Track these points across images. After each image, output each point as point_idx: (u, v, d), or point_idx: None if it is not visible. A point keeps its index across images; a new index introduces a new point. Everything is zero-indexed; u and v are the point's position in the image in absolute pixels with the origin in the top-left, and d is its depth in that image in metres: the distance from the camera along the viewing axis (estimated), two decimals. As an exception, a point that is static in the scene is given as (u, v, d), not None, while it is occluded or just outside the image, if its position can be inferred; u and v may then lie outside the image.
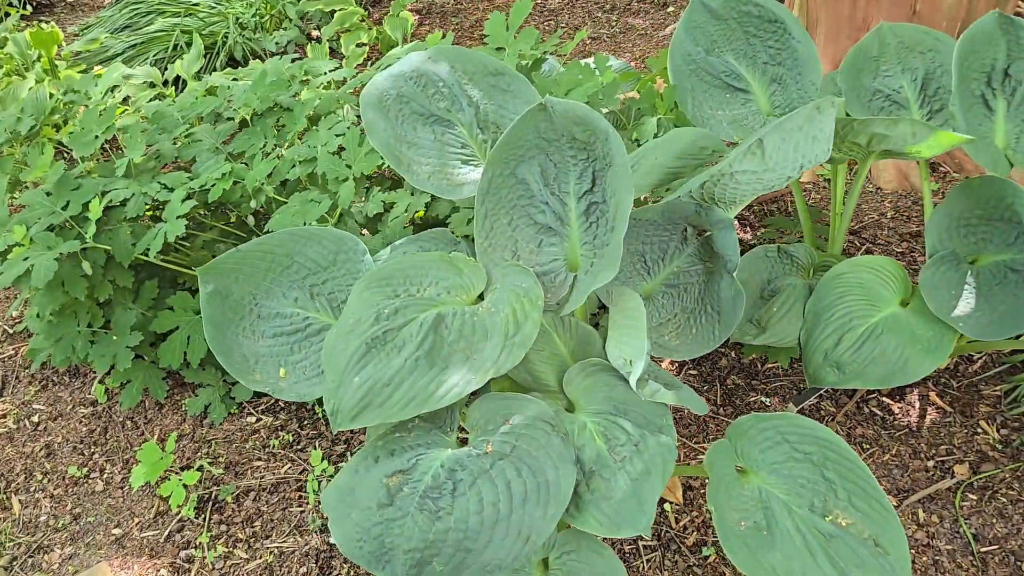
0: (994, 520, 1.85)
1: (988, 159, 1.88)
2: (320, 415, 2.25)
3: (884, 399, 2.14)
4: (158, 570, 1.92)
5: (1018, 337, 1.93)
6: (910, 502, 1.91)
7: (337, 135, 2.25)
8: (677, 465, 1.61)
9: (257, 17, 4.22)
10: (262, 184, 2.21)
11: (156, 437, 2.25)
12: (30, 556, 1.99)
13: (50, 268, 1.97)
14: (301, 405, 2.27)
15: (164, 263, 2.28)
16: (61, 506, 2.10)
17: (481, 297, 1.63)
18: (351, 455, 2.14)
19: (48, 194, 2.17)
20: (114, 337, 2.23)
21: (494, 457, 1.37)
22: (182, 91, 3.68)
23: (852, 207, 2.10)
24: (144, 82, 3.25)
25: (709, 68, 2.19)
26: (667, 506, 1.96)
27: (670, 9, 4.28)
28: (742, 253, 1.82)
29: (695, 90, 2.18)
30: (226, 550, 1.95)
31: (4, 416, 2.37)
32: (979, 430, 2.04)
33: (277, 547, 1.95)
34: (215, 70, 3.95)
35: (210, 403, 2.28)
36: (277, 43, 4.10)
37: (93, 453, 2.23)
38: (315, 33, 4.39)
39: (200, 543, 1.97)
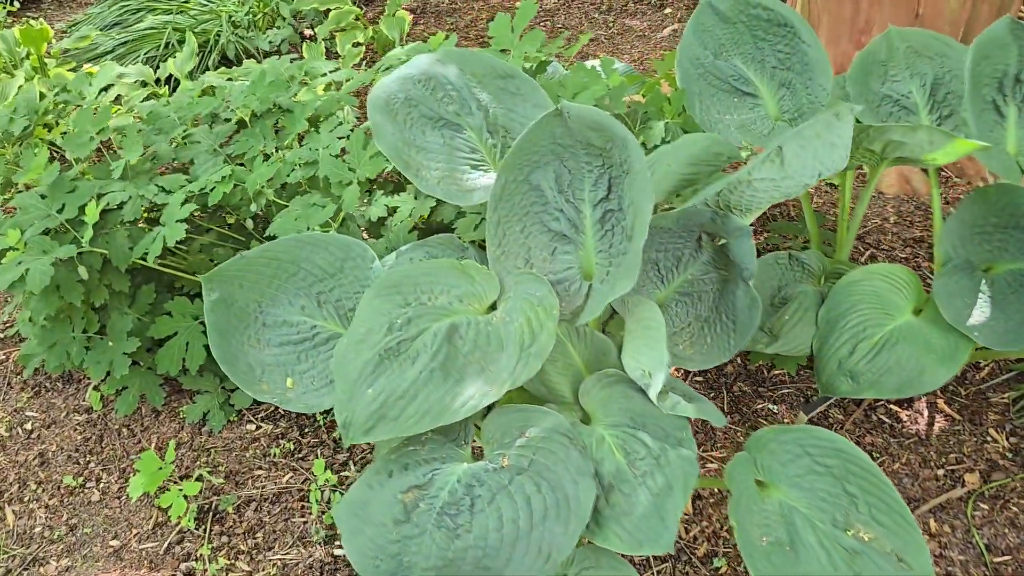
0: (1006, 530, 1.84)
1: (1000, 166, 1.87)
2: (322, 423, 2.21)
3: (892, 407, 2.12)
4: (158, 583, 1.88)
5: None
6: (921, 512, 1.89)
7: (339, 137, 2.20)
8: (692, 477, 1.59)
9: (250, 15, 4.16)
10: (263, 187, 2.17)
11: (153, 445, 2.20)
12: (25, 568, 1.94)
13: (46, 273, 1.92)
14: (302, 413, 2.23)
15: (161, 267, 2.23)
16: (56, 517, 2.05)
17: (493, 306, 1.60)
18: (353, 464, 2.10)
19: (43, 197, 2.12)
20: (110, 343, 2.18)
21: (512, 472, 1.34)
22: (174, 90, 3.62)
23: (861, 213, 2.09)
24: (136, 81, 3.19)
25: (717, 72, 2.16)
26: (677, 516, 1.93)
27: (667, 11, 4.26)
28: (751, 259, 1.79)
29: (703, 94, 2.15)
30: (228, 562, 1.90)
31: (-4, 423, 2.31)
32: (988, 438, 2.03)
33: (280, 559, 1.90)
34: (208, 69, 3.90)
35: (209, 410, 2.23)
36: (271, 42, 4.04)
37: (89, 462, 2.18)
38: (308, 32, 4.34)
39: (201, 555, 1.92)
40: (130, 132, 2.26)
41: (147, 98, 3.06)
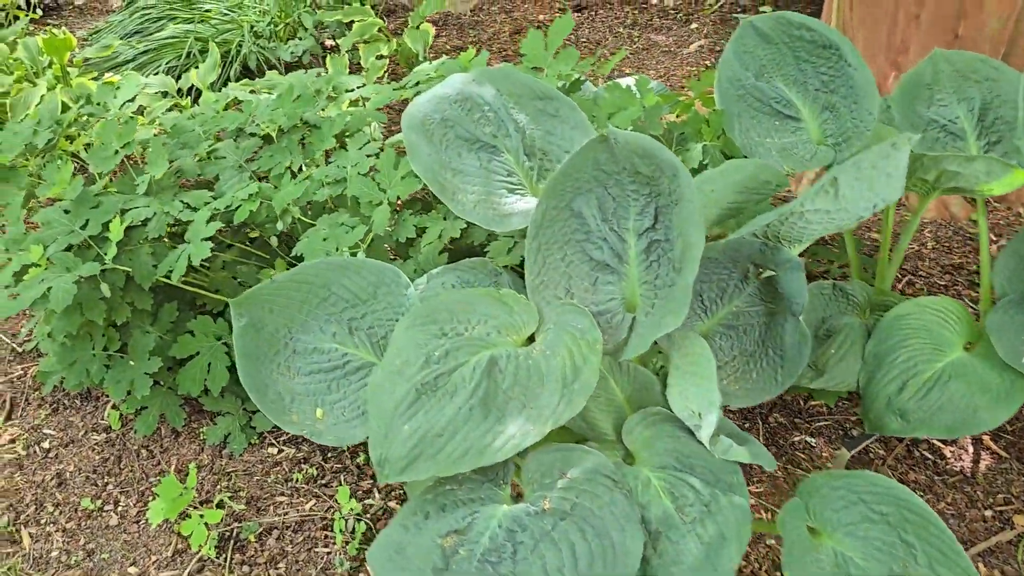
0: (1059, 576, 1.77)
1: (1056, 197, 1.80)
2: (345, 448, 2.15)
3: (935, 443, 2.05)
4: (177, 614, 1.83)
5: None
6: (970, 555, 1.81)
7: (368, 155, 2.15)
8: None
9: (272, 26, 4.13)
10: (289, 205, 2.12)
11: (173, 467, 2.15)
12: (41, 595, 1.88)
13: (69, 292, 1.87)
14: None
15: (184, 285, 2.18)
16: (74, 541, 2.00)
17: (531, 338, 1.54)
18: (378, 492, 2.04)
19: (66, 212, 2.07)
20: (131, 362, 2.13)
21: (555, 517, 1.28)
22: (196, 101, 3.58)
23: (906, 243, 2.02)
24: (158, 92, 3.15)
25: (758, 93, 2.10)
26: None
27: (693, 26, 4.20)
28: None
29: (742, 116, 2.09)
30: (249, 593, 1.85)
31: (13, 441, 2.26)
32: (1037, 478, 1.95)
33: (303, 591, 1.85)
34: (229, 79, 3.86)
35: (230, 432, 2.17)
36: (292, 52, 4.00)
37: (107, 484, 2.13)
38: (330, 43, 4.30)
39: (221, 585, 1.87)
40: (155, 146, 2.22)
41: (169, 109, 3.02)
